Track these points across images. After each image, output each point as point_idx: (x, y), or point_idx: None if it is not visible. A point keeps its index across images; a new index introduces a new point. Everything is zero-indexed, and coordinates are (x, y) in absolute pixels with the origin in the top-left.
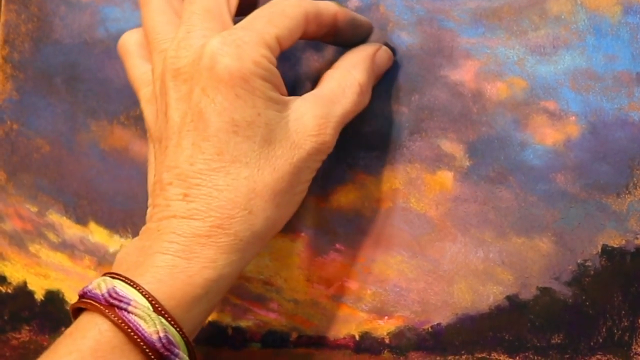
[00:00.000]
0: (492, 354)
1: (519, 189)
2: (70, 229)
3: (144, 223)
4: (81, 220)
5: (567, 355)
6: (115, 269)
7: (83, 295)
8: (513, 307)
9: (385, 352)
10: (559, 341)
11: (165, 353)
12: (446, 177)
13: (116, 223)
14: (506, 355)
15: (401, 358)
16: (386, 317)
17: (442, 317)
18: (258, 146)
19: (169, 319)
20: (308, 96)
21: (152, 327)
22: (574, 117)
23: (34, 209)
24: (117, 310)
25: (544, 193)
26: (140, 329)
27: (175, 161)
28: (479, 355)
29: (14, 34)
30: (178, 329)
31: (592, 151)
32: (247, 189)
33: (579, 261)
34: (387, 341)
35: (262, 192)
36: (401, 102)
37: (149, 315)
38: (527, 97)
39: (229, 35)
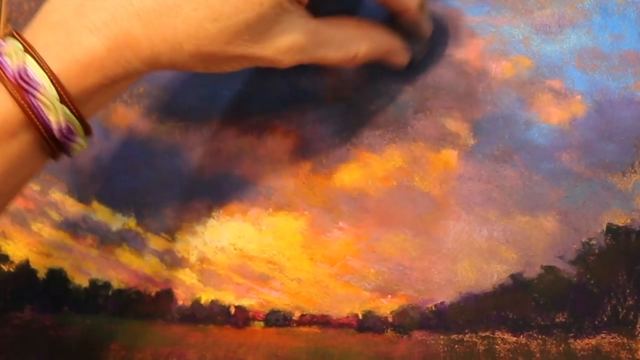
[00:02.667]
0: (496, 333)
1: (524, 167)
2: (73, 208)
3: (146, 201)
4: (84, 199)
5: (572, 334)
6: (38, 20)
7: None
8: (517, 285)
9: (389, 330)
10: (563, 320)
11: (62, 140)
12: (450, 155)
13: (119, 202)
14: (510, 334)
15: (404, 337)
16: (389, 296)
17: (445, 296)
18: None
19: (73, 109)
20: (312, 22)
21: (53, 116)
22: (579, 96)
23: (37, 188)
24: (24, 93)
25: (549, 172)
26: (43, 115)
27: None
28: (483, 334)
29: (16, 12)
30: (78, 117)
31: (597, 130)
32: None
33: (583, 240)
34: (390, 320)
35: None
36: (406, 80)
37: (54, 105)
38: (533, 76)
39: None
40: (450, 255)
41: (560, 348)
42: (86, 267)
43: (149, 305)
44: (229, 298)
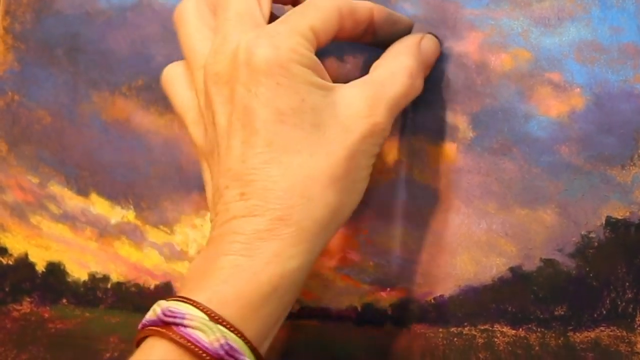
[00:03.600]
0: (495, 326)
1: (523, 160)
2: (72, 200)
3: (145, 194)
4: (82, 192)
5: (571, 327)
6: (184, 284)
7: (142, 328)
8: (516, 278)
9: (388, 323)
10: (562, 313)
11: None
12: (450, 148)
13: (118, 194)
14: (509, 327)
15: (403, 330)
16: (388, 289)
17: (444, 289)
18: (308, 132)
19: (227, 325)
20: (356, 82)
21: (211, 335)
22: (578, 89)
23: (35, 180)
24: (174, 327)
25: (548, 164)
26: (200, 340)
27: (228, 164)
28: (482, 327)
29: (15, 4)
30: (239, 335)
31: (596, 123)
32: (302, 177)
33: (582, 233)
34: (389, 313)
35: (318, 178)
36: None
37: (206, 325)
38: (532, 69)
39: (263, 30)
40: (449, 248)
41: (560, 341)
42: (85, 260)
43: (147, 298)
44: None
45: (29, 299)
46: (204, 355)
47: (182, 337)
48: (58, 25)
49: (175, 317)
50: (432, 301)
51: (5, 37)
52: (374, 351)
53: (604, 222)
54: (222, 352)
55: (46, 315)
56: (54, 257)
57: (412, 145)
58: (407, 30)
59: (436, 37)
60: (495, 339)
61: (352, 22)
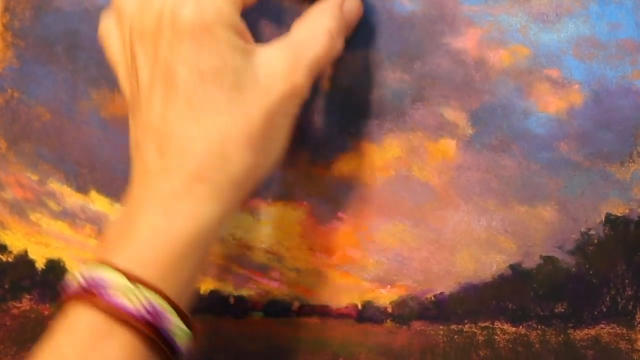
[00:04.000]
0: (496, 323)
1: (522, 157)
2: (71, 198)
3: None
4: (82, 189)
5: (571, 324)
6: (104, 244)
7: (65, 295)
8: (516, 276)
9: (388, 321)
10: (562, 310)
11: (156, 323)
12: (449, 145)
13: (117, 191)
14: (509, 324)
15: (404, 327)
16: (389, 286)
17: (445, 286)
18: (227, 93)
19: (149, 286)
20: (277, 43)
21: (135, 300)
22: (577, 85)
23: (35, 178)
24: (97, 295)
25: (547, 161)
26: (125, 306)
27: (148, 120)
28: (482, 325)
29: (14, 1)
30: (161, 295)
31: (595, 119)
32: (220, 136)
33: (582, 230)
34: (389, 310)
35: (235, 138)
36: (403, 69)
37: (129, 289)
38: (530, 65)
39: None
40: (449, 245)
41: (560, 338)
42: (85, 257)
43: None
44: (228, 288)
45: (28, 297)
46: (130, 320)
47: (107, 304)
48: (57, 22)
49: (97, 284)
50: (432, 298)
51: (5, 34)
52: (374, 348)
53: (603, 219)
54: (147, 316)
55: (46, 312)
56: (54, 254)
57: (410, 142)
58: None
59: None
60: (496, 337)
61: None
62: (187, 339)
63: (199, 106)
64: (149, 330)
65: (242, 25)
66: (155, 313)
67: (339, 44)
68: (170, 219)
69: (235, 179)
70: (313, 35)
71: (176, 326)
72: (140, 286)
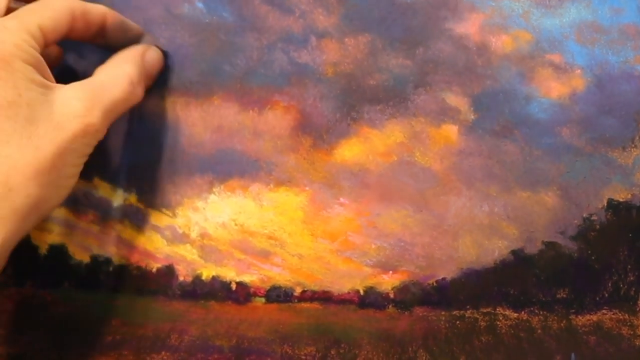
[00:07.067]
0: (498, 309)
1: (524, 142)
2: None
3: (146, 178)
4: (85, 175)
5: (573, 310)
6: None
7: None
8: (518, 261)
9: (390, 306)
10: (564, 296)
11: None
12: (451, 130)
13: (120, 178)
14: (511, 310)
15: (406, 313)
16: (391, 272)
17: (447, 272)
18: (20, 126)
19: None
20: (77, 84)
21: None
22: (579, 70)
23: None
24: None
25: (549, 147)
26: None
27: None
28: (484, 310)
29: None
30: None
31: (597, 104)
32: (7, 167)
33: (584, 215)
34: (391, 296)
35: (22, 170)
36: (406, 55)
37: None
38: (533, 50)
39: None
40: (451, 231)
41: (562, 324)
42: (87, 243)
43: (150, 281)
44: (230, 274)
45: (31, 282)
46: None
47: None
48: None
49: None
50: (435, 284)
51: None
52: (376, 334)
53: (605, 205)
54: None
55: (48, 298)
56: (57, 240)
57: (413, 127)
58: (137, 37)
59: (161, 50)
60: (498, 322)
61: (83, 23)
62: None
63: None
64: None
65: (42, 63)
66: None
67: (139, 91)
68: None
69: (18, 210)
70: (113, 80)
71: None
72: None
